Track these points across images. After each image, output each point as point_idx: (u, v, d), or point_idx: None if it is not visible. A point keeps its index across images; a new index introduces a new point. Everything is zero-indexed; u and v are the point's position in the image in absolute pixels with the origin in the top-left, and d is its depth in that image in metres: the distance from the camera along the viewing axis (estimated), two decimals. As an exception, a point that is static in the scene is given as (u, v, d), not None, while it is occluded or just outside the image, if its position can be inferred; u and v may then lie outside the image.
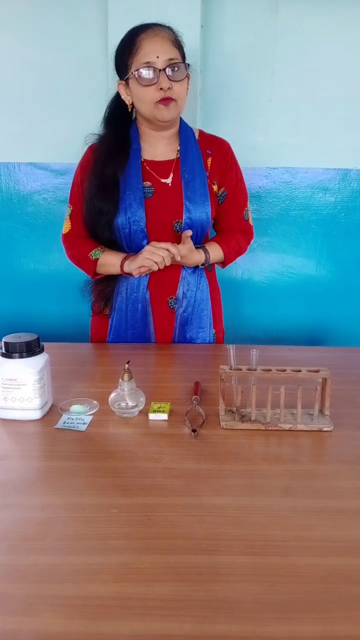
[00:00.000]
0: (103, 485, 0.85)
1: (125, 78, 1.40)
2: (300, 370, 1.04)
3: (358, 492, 0.84)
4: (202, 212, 1.46)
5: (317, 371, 1.04)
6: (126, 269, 1.42)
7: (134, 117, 1.50)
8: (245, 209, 1.58)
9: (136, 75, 1.35)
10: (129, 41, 1.37)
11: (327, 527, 0.76)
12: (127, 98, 1.43)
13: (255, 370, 1.04)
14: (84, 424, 1.04)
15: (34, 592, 0.64)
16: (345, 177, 2.00)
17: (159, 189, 1.46)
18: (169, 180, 1.47)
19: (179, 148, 1.49)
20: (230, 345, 1.07)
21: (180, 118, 1.50)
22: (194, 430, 1.00)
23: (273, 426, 1.02)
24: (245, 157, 1.92)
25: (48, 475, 0.89)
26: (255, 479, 0.87)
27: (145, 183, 1.46)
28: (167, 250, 1.37)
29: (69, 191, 1.54)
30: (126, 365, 1.07)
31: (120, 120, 1.48)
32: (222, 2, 1.85)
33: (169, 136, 1.49)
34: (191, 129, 1.52)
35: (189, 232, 1.40)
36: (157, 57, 1.33)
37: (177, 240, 1.44)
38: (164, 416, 1.06)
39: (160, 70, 1.33)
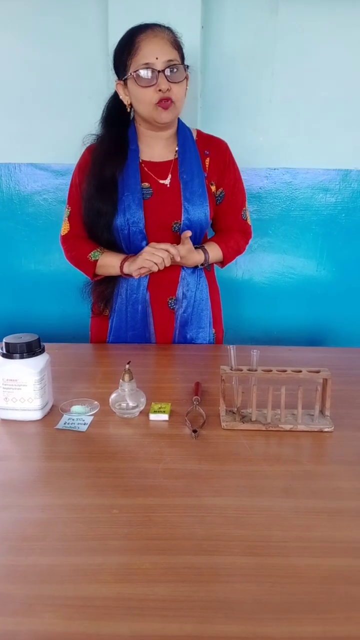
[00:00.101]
0: (103, 486, 0.85)
1: (123, 78, 1.40)
2: (300, 371, 1.04)
3: (358, 492, 0.84)
4: (201, 212, 1.46)
5: (317, 372, 1.04)
6: (126, 270, 1.42)
7: (131, 117, 1.50)
8: (244, 208, 1.58)
9: (135, 76, 1.35)
10: (128, 41, 1.37)
11: (327, 528, 0.76)
12: (125, 98, 1.43)
13: (255, 370, 1.04)
14: (84, 424, 1.04)
15: (34, 593, 0.64)
16: (346, 178, 2.00)
17: (158, 190, 1.46)
18: (167, 182, 1.47)
19: (177, 149, 1.49)
20: (230, 346, 1.07)
21: (178, 118, 1.50)
22: (194, 431, 1.00)
23: (274, 427, 1.02)
24: (246, 158, 1.93)
25: (48, 475, 0.89)
26: (255, 480, 0.87)
27: (144, 184, 1.46)
28: (167, 251, 1.37)
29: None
30: (127, 366, 1.07)
31: (118, 121, 1.48)
32: (222, 2, 1.85)
33: (167, 137, 1.49)
34: (189, 129, 1.52)
35: (189, 233, 1.40)
36: (157, 58, 1.33)
37: (176, 241, 1.44)
38: (165, 417, 1.06)
39: (159, 71, 1.33)
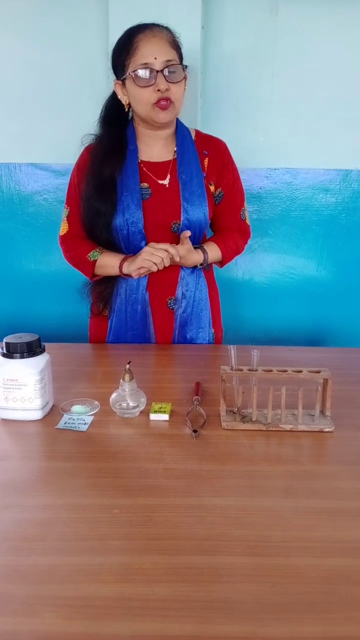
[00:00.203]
0: (104, 486, 0.85)
1: (122, 78, 1.40)
2: (301, 371, 1.04)
3: (358, 492, 0.84)
4: (200, 212, 1.46)
5: (318, 372, 1.04)
6: (125, 270, 1.42)
7: (130, 117, 1.50)
8: (242, 208, 1.58)
9: (133, 76, 1.35)
10: (127, 41, 1.37)
11: (327, 528, 0.76)
12: (123, 98, 1.43)
13: (256, 370, 1.04)
14: (84, 424, 1.04)
15: (34, 593, 0.64)
16: (346, 178, 2.00)
17: (156, 191, 1.46)
18: (166, 182, 1.47)
19: (175, 149, 1.49)
20: (231, 346, 1.07)
21: (177, 118, 1.50)
22: (195, 431, 1.00)
23: (274, 427, 1.02)
24: (246, 158, 1.93)
25: (49, 475, 0.89)
26: (256, 480, 0.87)
27: (143, 184, 1.46)
28: (166, 251, 1.37)
29: None
30: (127, 366, 1.07)
31: (116, 121, 1.48)
32: (222, 3, 1.85)
33: (165, 136, 1.49)
34: (187, 129, 1.52)
35: (188, 233, 1.40)
36: (155, 59, 1.33)
37: (175, 241, 1.44)
38: (165, 417, 1.06)
39: (157, 71, 1.33)
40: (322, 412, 1.06)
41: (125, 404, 1.07)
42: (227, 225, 1.58)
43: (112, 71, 1.45)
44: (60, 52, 1.90)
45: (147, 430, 1.03)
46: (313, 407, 1.04)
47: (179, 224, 1.46)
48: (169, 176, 1.48)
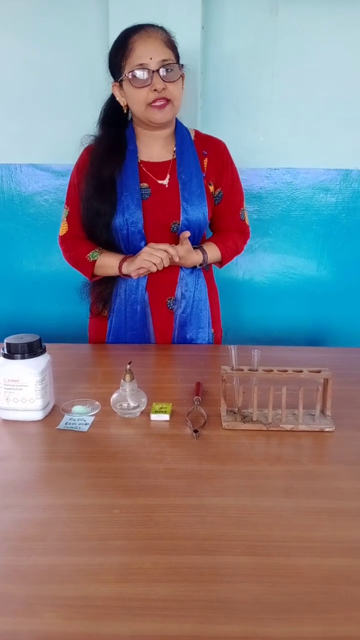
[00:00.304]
0: (104, 486, 0.85)
1: (119, 80, 1.41)
2: (301, 371, 1.04)
3: (359, 492, 0.84)
4: (199, 212, 1.47)
5: (318, 372, 1.04)
6: (124, 270, 1.42)
7: (129, 117, 1.50)
8: (242, 208, 1.58)
9: (129, 77, 1.36)
10: (122, 43, 1.38)
11: (328, 528, 0.76)
12: (121, 100, 1.44)
13: (256, 370, 1.04)
14: (85, 424, 1.04)
15: (35, 593, 0.64)
16: (346, 178, 2.00)
17: (156, 191, 1.46)
18: (165, 182, 1.47)
19: (175, 149, 1.49)
20: (231, 346, 1.07)
21: (176, 118, 1.51)
22: (195, 431, 1.00)
23: (274, 427, 1.02)
24: (246, 158, 1.93)
25: (49, 475, 0.89)
26: (256, 480, 0.87)
27: (142, 184, 1.46)
28: (166, 251, 1.37)
29: None
30: (128, 366, 1.07)
31: (115, 121, 1.48)
32: (222, 3, 1.85)
33: (164, 137, 1.49)
34: (187, 129, 1.52)
35: (187, 234, 1.40)
36: (151, 59, 1.34)
37: (174, 241, 1.44)
38: (166, 417, 1.06)
39: (153, 71, 1.34)
40: (323, 412, 1.06)
41: (126, 404, 1.07)
42: (227, 225, 1.58)
43: (109, 73, 1.45)
44: (61, 52, 1.91)
45: (148, 430, 1.03)
46: (313, 407, 1.04)
47: (179, 224, 1.46)
48: (168, 176, 1.48)
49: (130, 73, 1.35)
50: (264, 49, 1.88)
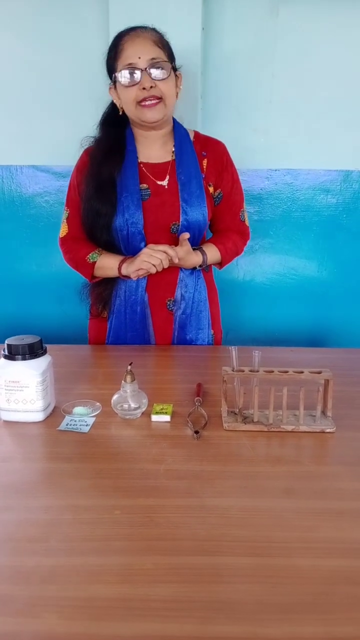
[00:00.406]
0: (106, 487, 0.85)
1: (113, 81, 1.42)
2: (302, 372, 1.04)
3: (359, 493, 0.84)
4: (199, 213, 1.47)
5: (319, 372, 1.04)
6: (124, 271, 1.43)
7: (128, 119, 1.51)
8: (242, 209, 1.59)
9: (119, 77, 1.37)
10: (114, 45, 1.40)
11: (329, 529, 0.76)
12: (117, 101, 1.45)
13: (257, 371, 1.04)
14: (86, 425, 1.04)
15: (36, 594, 0.65)
16: (347, 179, 2.01)
17: (156, 191, 1.47)
18: (165, 183, 1.47)
19: (174, 149, 1.50)
20: (232, 347, 1.07)
21: (174, 119, 1.51)
22: (196, 432, 1.00)
23: (275, 427, 1.03)
24: (247, 159, 1.93)
25: (51, 476, 0.89)
26: (257, 481, 0.87)
27: (142, 185, 1.46)
28: (165, 252, 1.37)
29: None
30: (128, 367, 1.07)
31: (115, 122, 1.49)
32: (222, 3, 1.85)
33: (162, 137, 1.49)
34: (185, 130, 1.52)
35: (187, 235, 1.40)
36: (139, 58, 1.35)
37: (174, 242, 1.45)
38: (167, 418, 1.06)
39: (142, 70, 1.35)
40: (324, 412, 1.06)
41: (126, 405, 1.07)
42: (227, 226, 1.58)
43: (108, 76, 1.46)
44: (61, 53, 1.91)
45: (149, 431, 1.03)
46: (314, 407, 1.04)
47: (178, 225, 1.46)
48: (167, 177, 1.48)
49: (120, 73, 1.37)
50: (264, 49, 1.89)
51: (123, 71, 1.36)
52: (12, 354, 1.04)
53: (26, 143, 2.00)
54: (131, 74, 1.36)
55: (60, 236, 1.55)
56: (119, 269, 1.43)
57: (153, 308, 1.52)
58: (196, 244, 1.51)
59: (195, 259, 1.47)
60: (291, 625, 0.60)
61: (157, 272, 1.39)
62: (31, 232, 2.08)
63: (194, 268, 1.51)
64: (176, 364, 1.44)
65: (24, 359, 1.04)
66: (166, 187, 1.47)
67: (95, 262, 1.47)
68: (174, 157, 1.49)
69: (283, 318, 2.14)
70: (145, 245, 1.42)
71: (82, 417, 1.07)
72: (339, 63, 1.89)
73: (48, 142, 1.98)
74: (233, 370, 1.06)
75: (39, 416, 1.06)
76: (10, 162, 2.02)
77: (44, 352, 1.07)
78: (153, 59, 1.35)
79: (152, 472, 0.89)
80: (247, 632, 0.60)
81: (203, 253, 1.49)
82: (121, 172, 1.45)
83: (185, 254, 1.41)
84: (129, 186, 1.45)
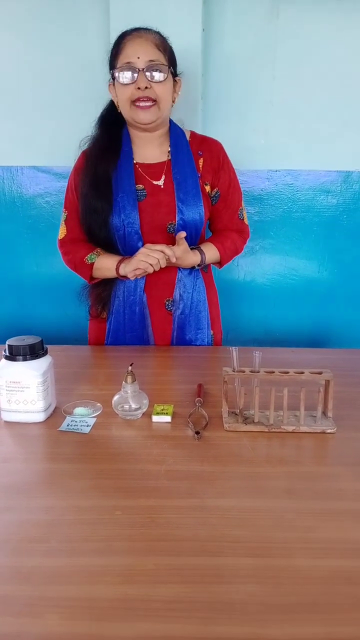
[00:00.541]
0: (106, 488, 0.85)
1: (112, 78, 1.43)
2: (303, 372, 1.04)
3: (361, 493, 0.84)
4: (195, 212, 1.47)
5: (320, 373, 1.04)
6: (121, 271, 1.43)
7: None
8: (240, 208, 1.58)
9: (117, 75, 1.38)
10: (116, 43, 1.41)
11: (329, 529, 0.76)
12: (115, 99, 1.46)
13: (258, 372, 1.04)
14: (87, 426, 1.04)
15: (38, 594, 0.65)
16: (347, 179, 2.01)
17: (151, 191, 1.47)
18: (160, 182, 1.48)
19: (169, 150, 1.50)
20: (233, 348, 1.07)
21: (170, 120, 1.51)
22: (197, 433, 1.00)
23: (276, 428, 1.03)
24: (247, 160, 1.93)
25: (52, 477, 0.89)
26: (258, 481, 0.87)
27: (138, 186, 1.47)
28: (162, 252, 1.37)
29: None
30: (129, 368, 1.07)
31: (112, 122, 1.49)
32: (222, 6, 1.86)
33: (157, 138, 1.50)
34: (182, 130, 1.53)
35: (183, 234, 1.41)
36: (138, 58, 1.36)
37: (171, 242, 1.45)
38: (167, 418, 1.07)
39: (139, 70, 1.35)
40: (324, 413, 1.06)
41: (127, 406, 1.07)
42: (225, 225, 1.58)
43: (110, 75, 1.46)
44: (62, 54, 1.91)
45: (150, 432, 1.03)
46: (315, 408, 1.04)
47: (174, 225, 1.46)
48: (163, 177, 1.48)
49: (118, 70, 1.37)
50: (265, 51, 1.89)
51: (122, 68, 1.37)
52: (13, 355, 1.04)
53: (27, 144, 2.00)
54: (128, 72, 1.37)
55: (59, 238, 1.55)
56: (117, 269, 1.44)
57: (152, 308, 1.52)
58: (194, 243, 1.51)
59: (193, 258, 1.47)
60: (292, 625, 0.60)
61: (154, 271, 1.40)
62: (32, 233, 2.08)
63: (193, 268, 1.51)
64: (177, 364, 1.44)
65: (25, 359, 1.04)
66: (162, 186, 1.48)
67: (93, 263, 1.47)
68: (169, 158, 1.50)
69: (284, 318, 2.14)
70: (143, 245, 1.42)
71: (83, 417, 1.08)
72: (339, 64, 1.89)
73: (49, 143, 1.98)
74: (234, 371, 1.06)
75: (40, 417, 1.06)
76: (11, 163, 2.03)
77: (44, 353, 1.07)
78: (151, 60, 1.36)
79: (153, 473, 0.89)
80: (248, 633, 0.60)
81: (201, 252, 1.49)
82: (117, 172, 1.46)
83: (182, 253, 1.41)
84: (124, 186, 1.45)
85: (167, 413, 1.07)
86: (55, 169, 2.02)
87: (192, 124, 1.76)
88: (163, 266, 1.39)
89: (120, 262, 1.44)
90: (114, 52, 1.41)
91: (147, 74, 1.35)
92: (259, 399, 1.03)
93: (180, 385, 1.24)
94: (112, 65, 1.42)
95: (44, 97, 1.95)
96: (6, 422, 1.07)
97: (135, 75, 1.36)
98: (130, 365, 1.08)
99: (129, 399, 1.07)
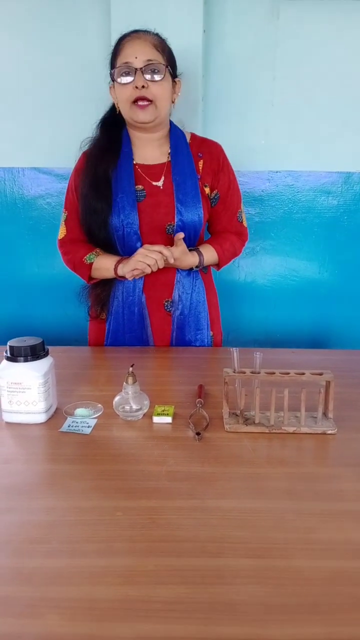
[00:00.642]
0: (107, 488, 0.85)
1: (112, 79, 1.44)
2: (303, 373, 1.04)
3: (361, 494, 0.85)
4: (194, 214, 1.47)
5: (320, 374, 1.04)
6: (120, 272, 1.43)
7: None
8: (239, 210, 1.59)
9: (116, 75, 1.39)
10: (116, 45, 1.42)
11: (330, 530, 0.76)
12: (115, 101, 1.47)
13: (259, 373, 1.05)
14: (88, 427, 1.05)
15: (39, 595, 0.65)
16: (348, 180, 2.01)
17: (151, 192, 1.47)
18: (160, 183, 1.48)
19: (169, 151, 1.50)
20: (233, 348, 1.07)
21: (171, 121, 1.52)
22: (198, 434, 1.01)
23: (277, 429, 1.03)
24: (247, 161, 1.94)
25: (53, 478, 0.89)
26: (258, 482, 0.87)
27: (137, 187, 1.47)
28: (160, 252, 1.38)
29: None
30: (130, 369, 1.08)
31: (112, 123, 1.50)
32: (223, 6, 1.86)
33: (158, 139, 1.50)
34: (182, 132, 1.53)
35: (181, 235, 1.41)
36: (136, 58, 1.37)
37: (170, 243, 1.45)
38: (168, 419, 1.07)
39: (137, 69, 1.36)
40: (325, 414, 1.06)
41: (128, 407, 1.07)
42: (224, 227, 1.58)
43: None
44: (62, 56, 1.92)
45: (150, 432, 1.03)
46: (316, 409, 1.04)
47: (173, 226, 1.46)
48: (163, 178, 1.49)
49: (116, 70, 1.39)
50: (265, 52, 1.89)
51: (119, 69, 1.38)
52: (15, 356, 1.04)
53: (28, 145, 2.00)
54: (126, 72, 1.38)
55: (59, 238, 1.56)
56: (115, 269, 1.44)
57: (151, 309, 1.52)
58: (192, 244, 1.52)
59: (192, 259, 1.47)
60: (293, 626, 0.61)
61: (152, 272, 1.40)
62: (33, 234, 2.08)
63: (191, 269, 1.51)
64: (177, 365, 1.44)
65: (26, 360, 1.04)
66: (161, 187, 1.48)
67: (92, 263, 1.47)
68: (169, 159, 1.50)
69: (284, 319, 2.14)
70: (142, 246, 1.42)
71: (84, 418, 1.08)
72: (339, 64, 1.90)
73: (50, 144, 1.98)
74: (234, 372, 1.06)
75: (41, 418, 1.06)
76: (12, 165, 2.03)
77: (46, 354, 1.07)
78: (149, 60, 1.37)
79: (153, 474, 0.89)
80: (249, 633, 0.60)
81: (199, 254, 1.49)
82: (116, 173, 1.46)
83: (180, 254, 1.42)
84: (124, 187, 1.45)
85: (167, 414, 1.08)
86: (56, 170, 2.02)
87: (192, 125, 1.77)
88: (161, 267, 1.39)
89: (118, 263, 1.44)
90: (114, 54, 1.42)
91: (145, 73, 1.36)
92: (260, 400, 1.03)
93: (181, 386, 1.25)
94: (113, 67, 1.43)
95: (45, 98, 1.95)
96: (7, 423, 1.07)
97: (133, 74, 1.37)
98: (131, 366, 1.08)
99: (130, 400, 1.07)
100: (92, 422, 1.06)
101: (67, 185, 1.56)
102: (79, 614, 0.62)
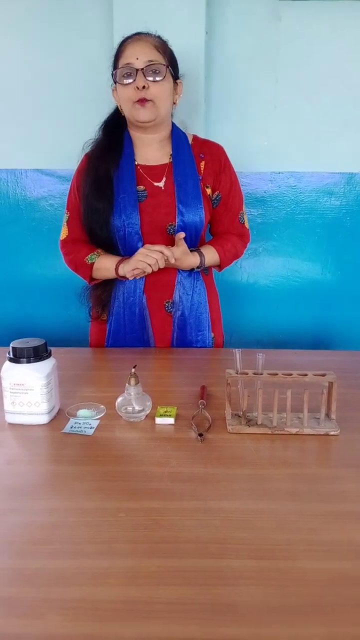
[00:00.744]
0: (110, 490, 0.86)
1: (114, 81, 1.45)
2: (306, 374, 1.04)
3: (364, 495, 0.84)
4: (196, 215, 1.47)
5: (323, 375, 1.04)
6: (120, 271, 1.44)
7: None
8: (241, 212, 1.59)
9: (117, 76, 1.41)
10: (118, 47, 1.44)
11: (333, 531, 0.76)
12: (118, 103, 1.48)
13: (261, 374, 1.04)
14: (91, 428, 1.05)
15: (41, 596, 0.65)
16: (350, 181, 2.01)
17: (152, 193, 1.48)
18: (161, 184, 1.48)
19: (171, 152, 1.50)
20: (236, 349, 1.07)
21: (173, 123, 1.52)
22: (200, 435, 1.00)
23: (279, 430, 1.03)
24: (250, 162, 1.94)
25: (55, 479, 0.89)
26: (261, 483, 0.87)
27: (139, 187, 1.47)
28: (161, 252, 1.38)
29: None
30: (133, 370, 1.08)
31: (115, 125, 1.51)
32: (225, 8, 1.86)
33: (159, 140, 1.51)
34: (184, 134, 1.54)
35: (182, 234, 1.41)
36: (137, 59, 1.38)
37: (171, 243, 1.46)
38: (171, 420, 1.07)
39: (138, 70, 1.38)
40: (328, 415, 1.06)
41: (130, 408, 1.07)
42: (226, 228, 1.58)
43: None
44: (65, 57, 1.92)
45: (153, 434, 1.03)
46: (318, 410, 1.04)
47: (175, 226, 1.47)
48: (164, 179, 1.49)
49: (118, 71, 1.40)
50: (268, 53, 1.89)
51: (121, 70, 1.40)
52: (17, 357, 1.05)
53: (30, 147, 2.01)
54: (128, 73, 1.39)
55: (61, 239, 1.56)
56: (116, 269, 1.44)
57: (151, 310, 1.52)
58: (193, 245, 1.52)
59: (193, 260, 1.47)
60: (295, 627, 0.60)
61: (152, 272, 1.40)
62: (35, 236, 2.09)
63: (192, 270, 1.51)
64: (179, 366, 1.44)
65: (28, 361, 1.04)
66: (163, 188, 1.48)
67: (93, 263, 1.48)
68: (171, 160, 1.50)
69: (287, 320, 2.14)
70: (143, 246, 1.42)
71: (86, 419, 1.08)
72: (341, 66, 1.90)
73: (52, 145, 1.99)
74: (237, 373, 1.06)
75: (44, 419, 1.06)
76: (15, 166, 2.04)
77: (48, 355, 1.08)
78: (150, 61, 1.38)
79: (156, 475, 0.89)
80: (251, 634, 0.60)
81: (200, 254, 1.49)
82: (118, 173, 1.47)
83: (181, 254, 1.42)
84: (125, 187, 1.46)
85: (170, 415, 1.08)
86: (59, 171, 2.02)
87: (194, 126, 1.77)
88: (162, 267, 1.40)
89: (119, 263, 1.44)
90: (116, 56, 1.43)
91: (145, 73, 1.38)
92: (262, 401, 1.03)
93: (183, 387, 1.25)
94: (115, 69, 1.44)
95: (48, 100, 1.96)
96: (10, 424, 1.07)
97: (134, 75, 1.38)
98: (134, 367, 1.08)
99: (132, 401, 1.07)
100: (95, 423, 1.06)
101: (69, 186, 1.56)
102: (81, 614, 0.62)
